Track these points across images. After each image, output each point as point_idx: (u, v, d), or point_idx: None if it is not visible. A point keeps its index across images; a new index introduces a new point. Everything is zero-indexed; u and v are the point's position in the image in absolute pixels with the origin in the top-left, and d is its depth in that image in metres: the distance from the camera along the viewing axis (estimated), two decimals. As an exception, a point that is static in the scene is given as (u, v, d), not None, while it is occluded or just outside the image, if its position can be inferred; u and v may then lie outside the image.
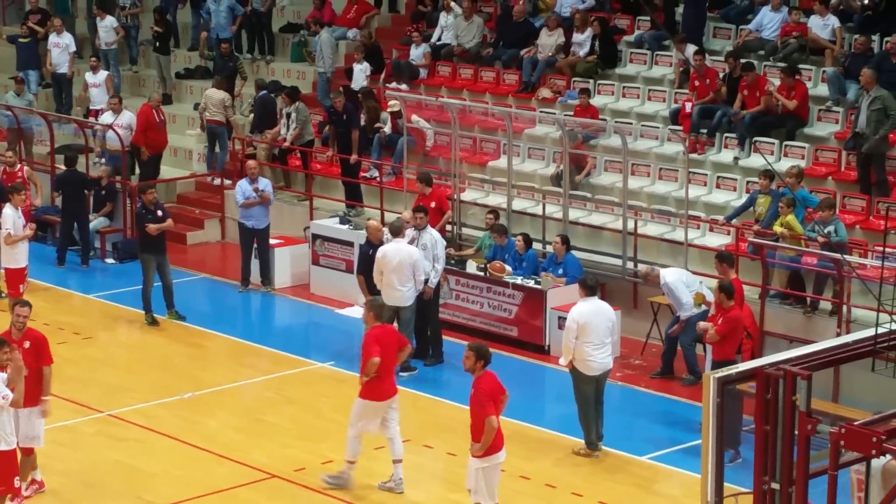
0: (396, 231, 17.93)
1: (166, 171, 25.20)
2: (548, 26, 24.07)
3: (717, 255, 17.08)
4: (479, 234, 20.96)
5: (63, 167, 23.53)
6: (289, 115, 24.04)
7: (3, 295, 20.08)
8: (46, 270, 22.05)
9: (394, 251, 17.68)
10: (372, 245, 18.15)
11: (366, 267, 18.10)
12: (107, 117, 25.04)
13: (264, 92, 24.72)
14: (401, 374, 17.86)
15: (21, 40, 28.35)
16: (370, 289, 18.10)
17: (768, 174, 18.84)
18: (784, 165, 19.63)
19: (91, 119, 26.25)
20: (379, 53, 25.76)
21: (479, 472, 12.86)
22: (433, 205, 19.75)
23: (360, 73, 25.08)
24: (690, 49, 22.15)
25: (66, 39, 27.78)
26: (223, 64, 26.22)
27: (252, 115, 25.15)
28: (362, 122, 23.55)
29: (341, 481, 14.51)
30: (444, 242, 18.94)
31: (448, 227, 21.02)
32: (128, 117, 24.85)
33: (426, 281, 18.16)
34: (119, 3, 28.96)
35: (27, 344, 13.60)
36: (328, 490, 14.44)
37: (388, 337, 14.46)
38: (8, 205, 19.49)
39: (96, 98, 26.57)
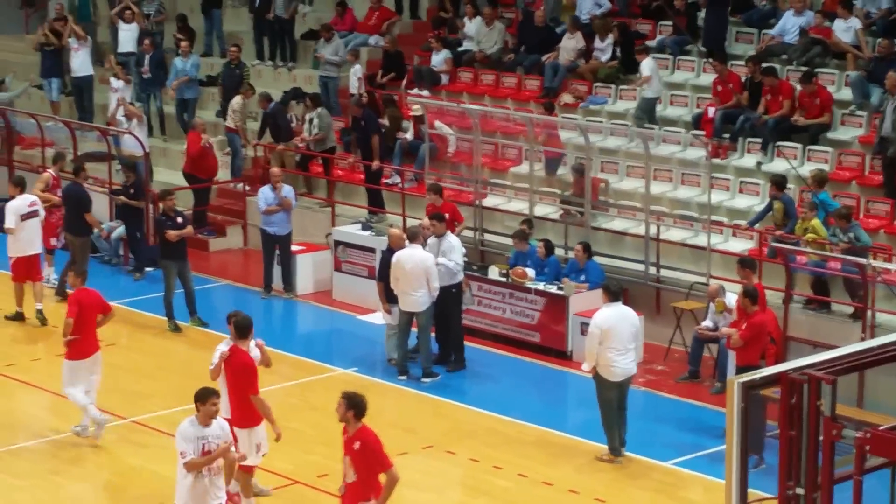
0: (413, 237, 17.99)
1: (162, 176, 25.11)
2: (569, 30, 24.02)
3: (739, 260, 17.02)
4: (503, 240, 20.96)
5: (124, 178, 23.11)
6: (311, 121, 24.06)
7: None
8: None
9: (407, 256, 17.72)
10: (393, 252, 18.16)
11: (385, 273, 18.12)
12: (120, 123, 25.00)
13: (275, 103, 24.63)
14: (422, 380, 17.88)
15: (46, 48, 28.40)
16: (388, 295, 18.12)
17: (776, 181, 18.81)
18: (807, 170, 19.58)
19: (113, 127, 26.34)
20: (401, 60, 25.77)
21: None
22: (446, 216, 19.78)
23: (353, 76, 25.18)
24: (648, 63, 22.15)
25: (85, 44, 27.82)
26: (230, 72, 26.22)
27: (259, 125, 24.97)
28: (383, 129, 23.57)
29: (80, 429, 15.86)
30: (464, 249, 18.93)
31: (470, 234, 21.03)
32: (133, 125, 24.85)
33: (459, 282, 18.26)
34: (143, 11, 28.95)
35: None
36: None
37: (89, 300, 15.89)
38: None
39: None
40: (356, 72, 25.17)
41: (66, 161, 23.19)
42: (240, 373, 13.47)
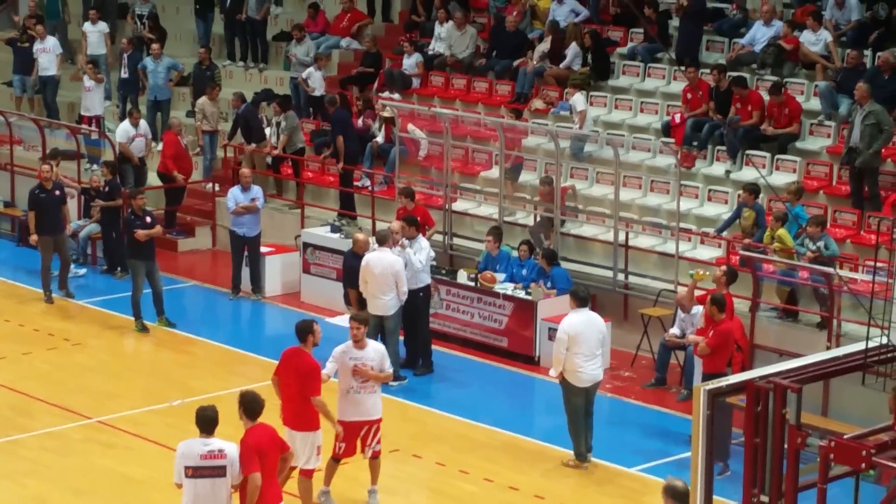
0: (382, 240, 17.98)
1: (156, 178, 25.01)
2: (545, 35, 24.02)
3: (727, 268, 16.85)
4: (472, 244, 20.98)
5: (103, 178, 22.69)
6: (278, 124, 24.01)
7: None
8: (34, 276, 21.93)
9: (376, 260, 17.71)
10: (357, 256, 18.16)
11: (350, 278, 18.17)
12: (126, 126, 24.67)
13: (246, 104, 24.59)
14: (390, 384, 17.87)
15: (19, 44, 28.21)
16: (346, 299, 18.18)
17: (751, 189, 18.90)
18: (776, 179, 19.67)
19: (84, 126, 26.23)
20: (380, 61, 25.79)
21: None
22: (417, 220, 19.77)
23: (318, 79, 25.29)
24: (579, 97, 22.19)
25: (51, 44, 27.65)
26: (200, 73, 26.16)
27: (231, 125, 24.90)
28: (360, 125, 23.59)
29: None
30: (433, 253, 18.96)
31: (439, 238, 21.05)
32: (143, 127, 24.75)
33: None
34: (136, 11, 28.69)
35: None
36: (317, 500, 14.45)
37: None
38: None
39: (89, 103, 26.50)
40: (318, 75, 25.21)
41: (59, 161, 23.07)
42: (304, 374, 13.53)
